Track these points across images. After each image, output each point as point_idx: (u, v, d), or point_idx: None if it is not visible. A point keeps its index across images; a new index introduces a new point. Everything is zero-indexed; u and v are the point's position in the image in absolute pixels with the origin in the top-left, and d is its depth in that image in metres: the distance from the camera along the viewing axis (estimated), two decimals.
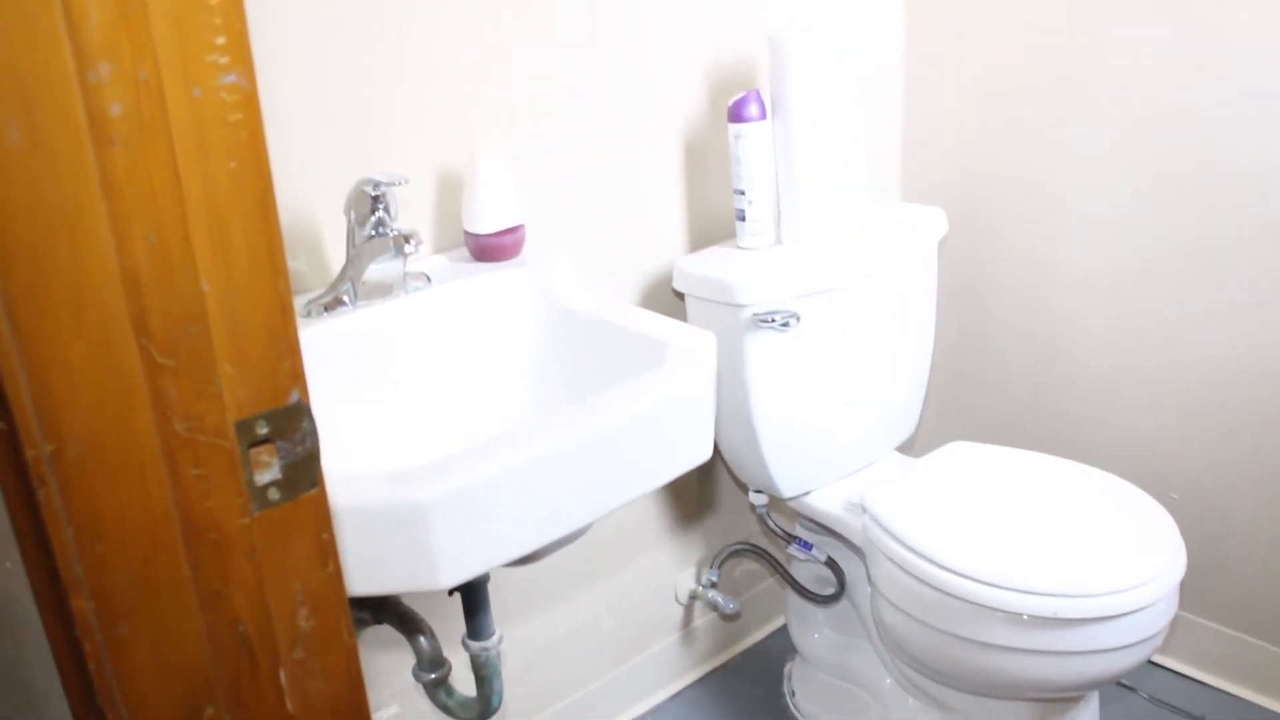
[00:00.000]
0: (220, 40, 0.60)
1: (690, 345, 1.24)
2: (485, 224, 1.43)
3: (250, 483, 0.67)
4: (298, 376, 0.68)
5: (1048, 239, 1.99)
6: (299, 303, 1.34)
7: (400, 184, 1.28)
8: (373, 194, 1.29)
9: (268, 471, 0.68)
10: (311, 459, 0.70)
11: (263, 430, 0.67)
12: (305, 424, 0.69)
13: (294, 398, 0.68)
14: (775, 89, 1.67)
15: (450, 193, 1.50)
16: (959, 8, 1.99)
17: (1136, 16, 1.77)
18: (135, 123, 0.58)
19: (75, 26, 0.55)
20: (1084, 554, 1.52)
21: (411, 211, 1.47)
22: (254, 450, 0.67)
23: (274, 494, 0.69)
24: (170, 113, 0.59)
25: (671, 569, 1.99)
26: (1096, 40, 1.83)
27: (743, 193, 1.69)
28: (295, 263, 1.39)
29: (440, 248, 1.52)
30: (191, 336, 0.63)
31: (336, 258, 1.42)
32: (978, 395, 2.20)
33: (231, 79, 0.61)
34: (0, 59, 0.54)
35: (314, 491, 0.70)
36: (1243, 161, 1.72)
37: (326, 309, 1.33)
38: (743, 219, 1.71)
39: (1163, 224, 1.83)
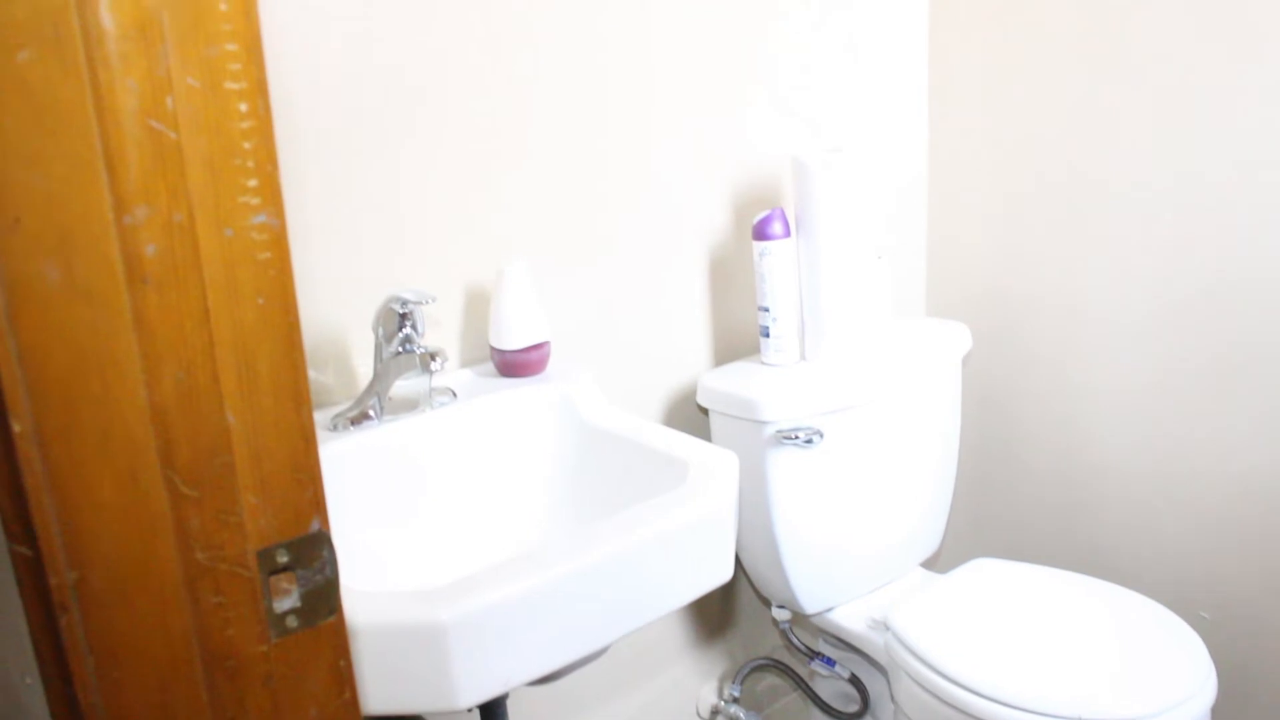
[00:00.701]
0: (252, 183, 0.62)
1: (712, 465, 1.25)
2: (511, 340, 1.45)
3: (269, 610, 0.68)
4: (319, 505, 0.69)
5: (1071, 353, 1.99)
6: (325, 416, 1.36)
7: (427, 303, 1.30)
8: (400, 311, 1.32)
9: (287, 599, 0.69)
10: (330, 587, 0.71)
11: (283, 559, 0.68)
12: (325, 552, 0.70)
13: (314, 526, 0.69)
14: (800, 208, 1.70)
15: (477, 308, 1.53)
16: (982, 129, 2.02)
17: (1158, 140, 1.79)
18: (168, 263, 0.60)
19: (115, 172, 0.58)
20: (1110, 677, 1.50)
21: (439, 328, 1.50)
22: (274, 578, 0.68)
23: (292, 621, 0.69)
24: (202, 253, 0.61)
25: (693, 683, 1.97)
26: (1119, 158, 1.85)
27: (767, 309, 1.71)
28: (323, 375, 1.42)
29: (467, 362, 1.54)
30: (216, 468, 0.64)
31: (364, 370, 1.44)
32: (1003, 510, 2.19)
33: (262, 219, 0.63)
34: (43, 203, 0.56)
35: (332, 619, 0.71)
36: (1265, 275, 1.72)
37: (353, 423, 1.35)
38: (767, 335, 1.73)
39: (1186, 337, 1.83)
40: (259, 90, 0.62)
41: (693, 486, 1.21)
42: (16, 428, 0.58)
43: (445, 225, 1.48)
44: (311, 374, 1.38)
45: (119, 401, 0.60)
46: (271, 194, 0.63)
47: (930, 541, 1.92)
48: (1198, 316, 1.82)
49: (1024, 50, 1.94)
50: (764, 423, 1.63)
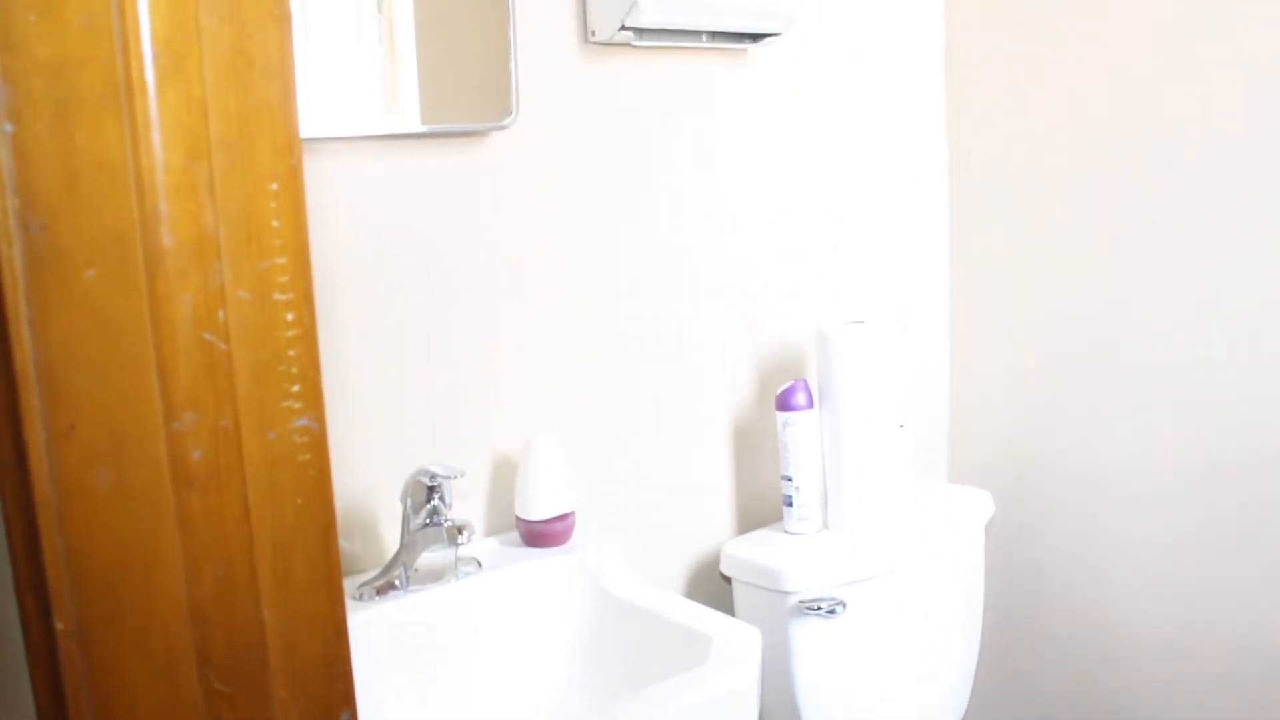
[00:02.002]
0: (295, 388, 0.65)
1: (735, 642, 1.25)
2: (537, 511, 1.47)
3: None
4: (349, 699, 0.70)
5: (1096, 517, 1.99)
6: (352, 584, 1.37)
7: (457, 477, 1.32)
8: (429, 484, 1.34)
9: None
10: None
11: None
12: None
13: (343, 719, 0.70)
14: (823, 379, 1.73)
15: (504, 476, 1.55)
16: (1004, 297, 2.06)
17: (1181, 302, 1.82)
18: (213, 467, 0.62)
19: (166, 380, 0.61)
20: None
21: (465, 498, 1.52)
22: None
23: None
24: (245, 456, 0.64)
25: None
26: (1142, 321, 1.88)
27: (790, 479, 1.72)
28: (350, 543, 1.43)
29: (492, 530, 1.56)
30: (250, 664, 0.65)
31: (391, 539, 1.46)
32: (1028, 678, 2.16)
33: (304, 422, 0.66)
34: (98, 410, 0.59)
35: None
36: None
37: (378, 592, 1.36)
38: (790, 504, 1.74)
39: (1214, 501, 1.83)
40: (305, 300, 0.65)
41: (716, 664, 1.21)
42: (59, 625, 0.60)
43: (475, 396, 1.51)
44: (339, 542, 1.40)
45: (159, 599, 0.62)
46: (313, 398, 0.66)
47: (955, 710, 1.89)
48: (1224, 480, 1.82)
49: (1045, 218, 1.98)
50: (787, 593, 1.63)
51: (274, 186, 0.63)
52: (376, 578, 1.37)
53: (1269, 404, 1.75)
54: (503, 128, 1.43)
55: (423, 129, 1.40)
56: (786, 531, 1.77)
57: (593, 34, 1.52)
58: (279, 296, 0.64)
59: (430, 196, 1.44)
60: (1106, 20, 1.86)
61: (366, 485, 1.43)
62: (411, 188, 1.43)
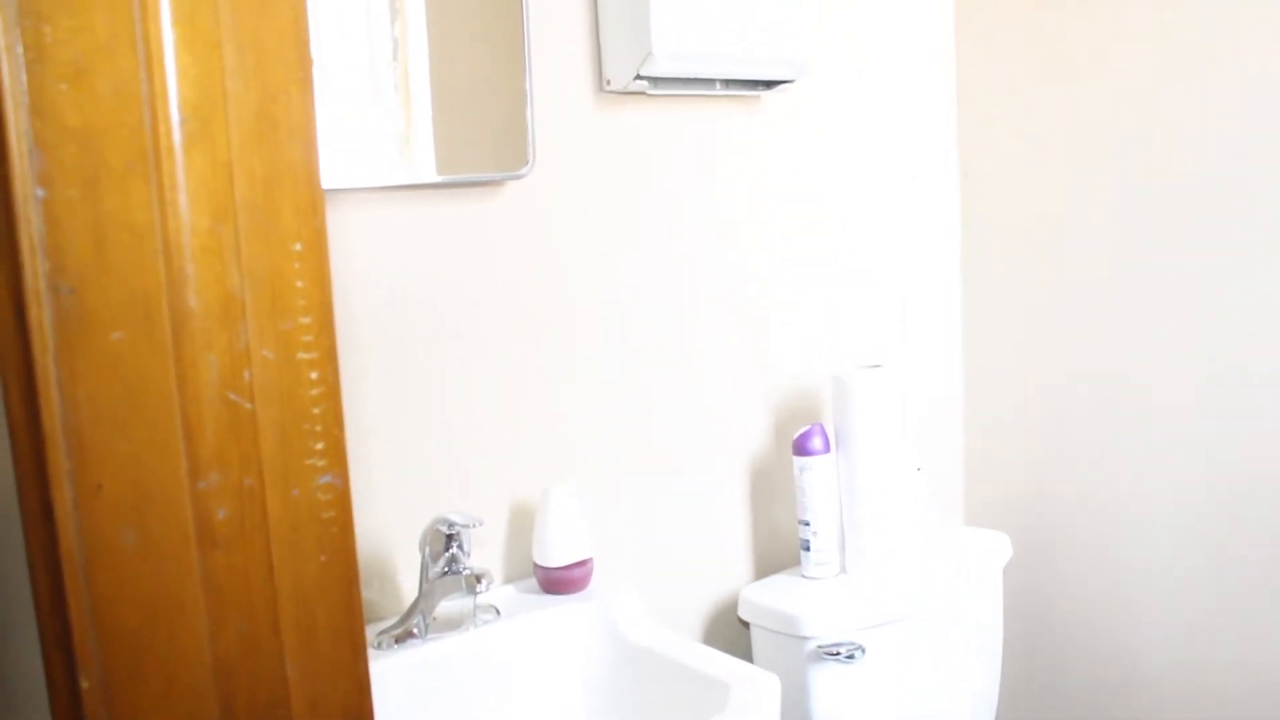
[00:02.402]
0: (319, 445, 0.66)
1: (754, 689, 1.25)
2: (555, 558, 1.47)
3: None
4: None
5: (1115, 559, 1.98)
6: (370, 632, 1.37)
7: (475, 526, 1.33)
8: (448, 532, 1.34)
9: None
10: None
11: None
12: None
13: None
14: (839, 423, 1.73)
15: (522, 524, 1.55)
16: (1018, 337, 2.06)
17: (1199, 340, 1.82)
18: (237, 526, 0.63)
19: (192, 440, 0.61)
20: None
21: (483, 545, 1.52)
22: None
23: None
24: (270, 514, 0.64)
25: None
26: (1158, 358, 1.88)
27: (807, 523, 1.72)
28: (369, 592, 1.44)
29: (510, 577, 1.56)
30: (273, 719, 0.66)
31: (409, 586, 1.46)
32: None
33: (327, 479, 0.66)
34: (124, 471, 0.60)
35: None
36: None
37: (397, 641, 1.36)
38: (807, 549, 1.74)
39: (1231, 539, 1.82)
40: (329, 359, 0.66)
41: (734, 711, 1.21)
42: (84, 684, 0.60)
43: (493, 442, 1.52)
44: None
45: (184, 655, 0.62)
46: (337, 455, 0.66)
47: None
48: (1242, 516, 1.81)
49: (1058, 258, 1.99)
50: (805, 638, 1.63)
51: (297, 247, 0.64)
52: (395, 626, 1.37)
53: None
54: (519, 177, 1.44)
55: (438, 179, 1.41)
56: (804, 576, 1.76)
57: (608, 83, 1.53)
58: (303, 356, 0.65)
59: (447, 245, 1.45)
60: (1117, 57, 1.87)
61: (385, 532, 1.44)
62: (428, 237, 1.44)
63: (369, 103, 1.37)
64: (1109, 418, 1.96)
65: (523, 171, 1.44)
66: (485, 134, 1.45)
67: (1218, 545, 1.84)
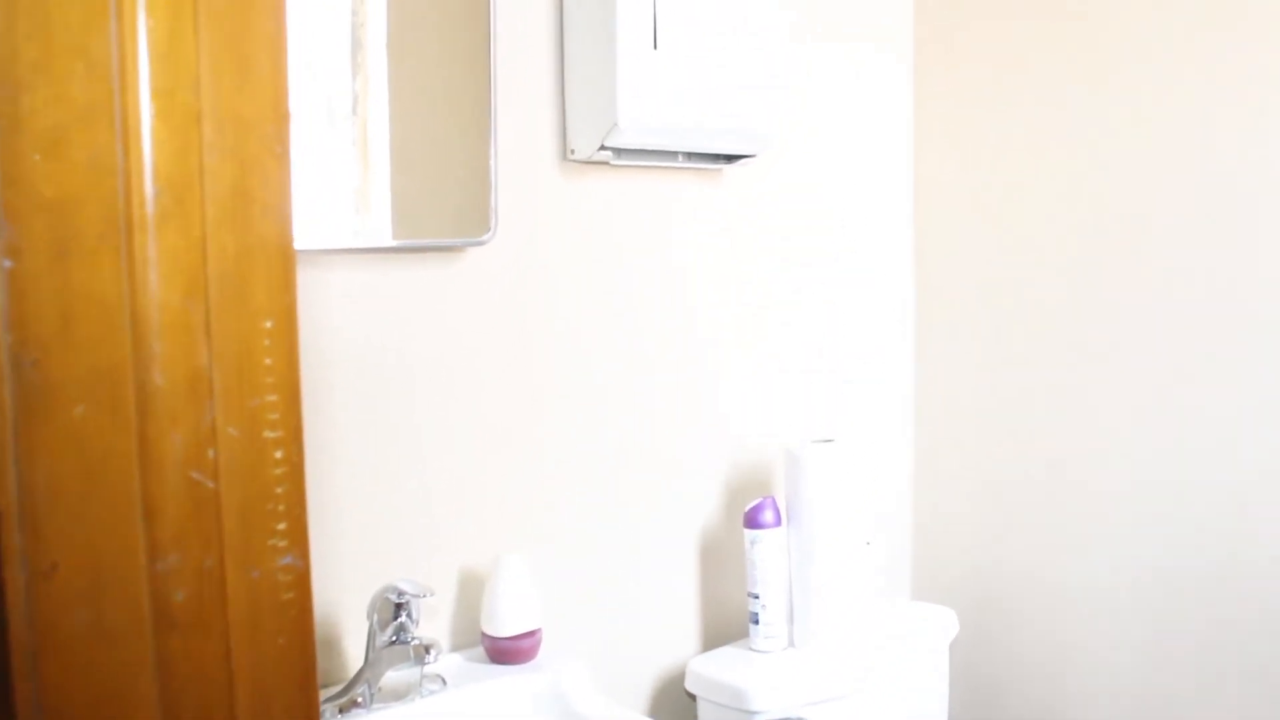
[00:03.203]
0: (281, 526, 0.64)
1: None
2: (504, 627, 1.45)
3: None
4: None
5: (1060, 636, 1.99)
6: None
7: (426, 596, 1.31)
8: (396, 601, 1.32)
9: None
10: None
11: None
12: None
13: None
14: (790, 497, 1.73)
15: (472, 591, 1.53)
16: (964, 410, 2.08)
17: (1144, 421, 1.85)
18: (195, 608, 0.61)
19: (152, 521, 0.60)
20: None
21: (434, 613, 1.50)
22: None
23: None
24: (229, 596, 0.62)
25: None
26: (1105, 440, 1.90)
27: (757, 596, 1.72)
28: None
29: (457, 645, 1.53)
30: None
31: (355, 652, 1.43)
32: None
33: (288, 560, 0.65)
34: (80, 551, 0.58)
35: None
36: (1256, 556, 1.75)
37: (341, 710, 1.33)
38: (756, 622, 1.73)
39: (1175, 619, 1.84)
40: (295, 437, 0.64)
41: None
42: None
43: (446, 508, 1.50)
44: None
45: None
46: (299, 536, 0.65)
47: None
48: (1186, 596, 1.83)
49: (1008, 337, 2.01)
50: (752, 712, 1.61)
51: (268, 324, 0.63)
52: (340, 694, 1.34)
53: (1230, 522, 1.77)
54: (481, 243, 1.44)
55: (394, 244, 1.39)
56: (753, 649, 1.75)
57: (572, 152, 1.54)
58: (269, 434, 0.63)
59: (403, 310, 1.44)
60: (1072, 139, 1.90)
61: (331, 598, 1.41)
62: (383, 301, 1.42)
63: (324, 158, 1.34)
64: (1056, 496, 1.97)
65: (485, 238, 1.43)
66: (447, 198, 1.44)
67: (1160, 623, 1.86)
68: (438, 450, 1.49)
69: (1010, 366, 2.01)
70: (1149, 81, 1.81)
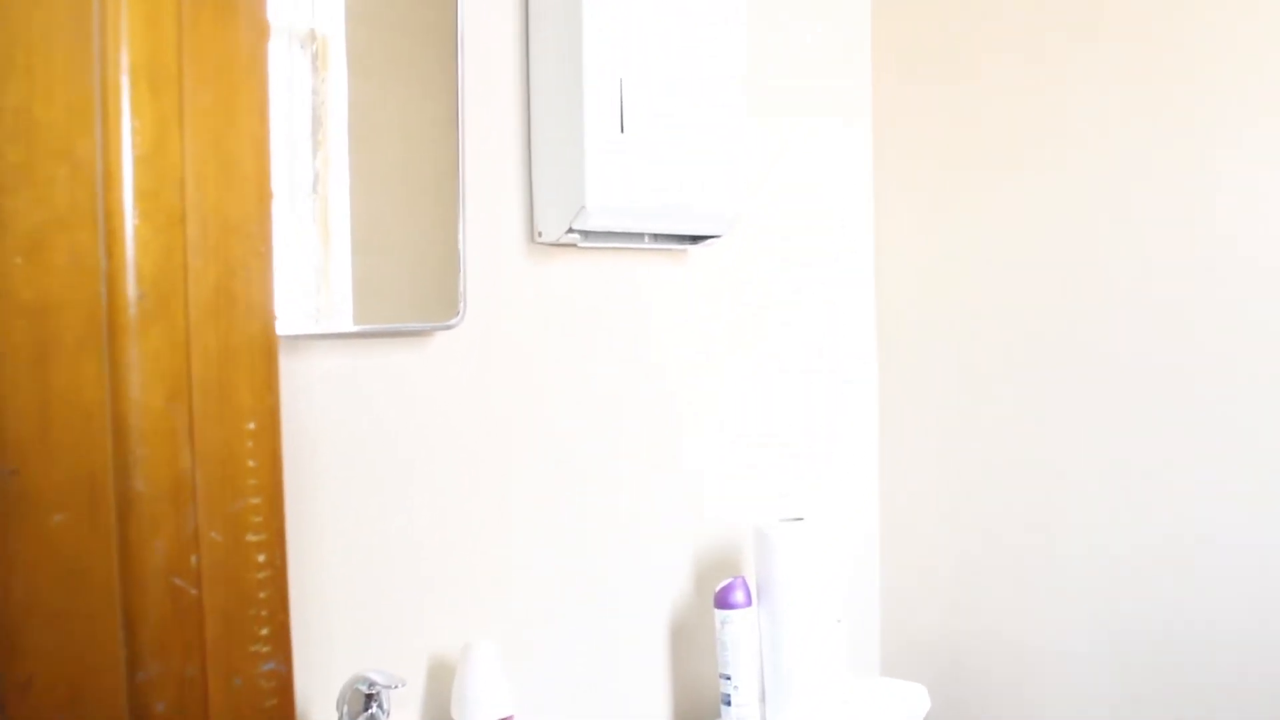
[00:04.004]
0: (264, 631, 0.63)
1: None
2: (475, 715, 1.43)
3: None
4: None
5: (1032, 708, 1.98)
6: None
7: (397, 686, 1.28)
8: (367, 692, 1.29)
9: None
10: None
11: None
12: None
13: None
14: (761, 576, 1.72)
15: (440, 678, 1.50)
16: (929, 485, 2.08)
17: (1107, 486, 1.86)
18: (176, 718, 0.60)
19: (133, 630, 0.58)
20: None
21: (401, 701, 1.47)
22: None
23: None
24: (211, 705, 0.61)
25: None
26: (1071, 510, 1.91)
27: (728, 677, 1.70)
28: None
29: None
30: None
31: None
32: None
33: (271, 666, 0.63)
34: (58, 663, 0.56)
35: None
36: (1219, 613, 1.76)
37: None
38: (728, 703, 1.71)
39: (1147, 686, 1.84)
40: (278, 540, 0.63)
41: None
42: None
43: (413, 594, 1.47)
44: None
45: None
46: (282, 641, 0.64)
47: None
48: (1157, 663, 1.83)
49: (972, 412, 2.02)
50: None
51: (251, 426, 0.62)
52: None
53: (1201, 585, 1.78)
54: (450, 327, 1.43)
55: (356, 329, 1.35)
56: None
57: (539, 234, 1.54)
58: (251, 538, 0.62)
59: (370, 396, 1.43)
60: (1032, 222, 1.94)
61: (299, 688, 1.38)
62: (349, 387, 1.41)
63: (283, 238, 1.30)
64: (1023, 569, 1.98)
65: (454, 322, 1.43)
66: (412, 280, 1.43)
67: (1133, 690, 1.86)
68: (406, 537, 1.47)
69: (973, 437, 2.02)
70: (1103, 142, 1.85)
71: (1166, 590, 1.82)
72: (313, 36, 1.36)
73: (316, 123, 1.37)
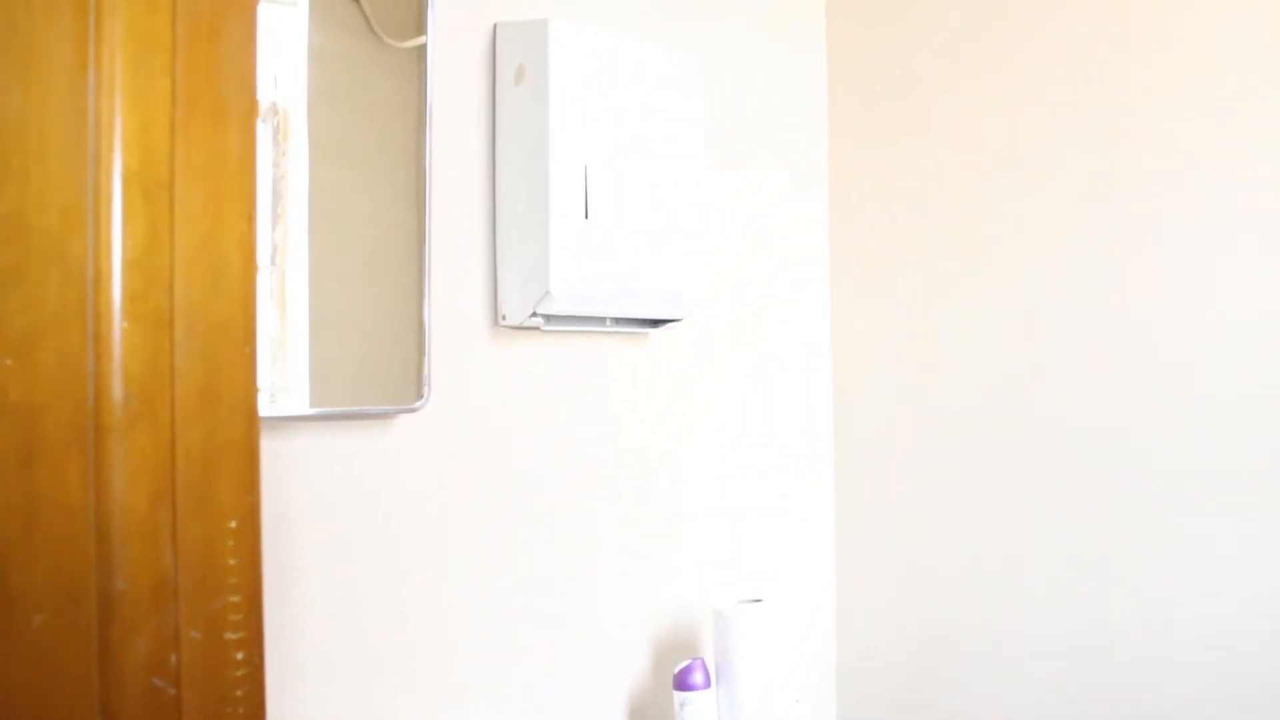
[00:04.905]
0: None
1: None
2: None
3: None
4: None
5: None
6: None
7: None
8: None
9: None
10: None
11: None
12: None
13: None
14: (720, 658, 1.72)
15: None
16: (886, 563, 2.10)
17: (1056, 562, 1.88)
18: None
19: None
20: None
21: None
22: None
23: None
24: None
25: None
26: (1021, 582, 1.93)
27: None
28: None
29: None
30: None
31: None
32: None
33: None
34: None
35: None
36: (1171, 686, 1.79)
37: None
38: None
39: None
40: (256, 638, 0.64)
41: None
42: None
43: (370, 686, 1.46)
44: None
45: None
46: None
47: None
48: None
49: (928, 494, 2.05)
50: None
51: (233, 524, 0.63)
52: None
53: (1153, 665, 1.80)
54: (414, 410, 1.43)
55: (311, 411, 1.32)
56: None
57: (503, 318, 1.55)
58: (230, 636, 0.62)
59: (326, 481, 1.41)
60: (988, 291, 1.98)
61: None
62: (303, 472, 1.39)
63: None
64: (979, 647, 1.99)
65: (418, 405, 1.43)
66: (374, 361, 1.42)
67: None
68: (365, 623, 1.45)
69: (930, 515, 2.04)
70: (1059, 219, 1.90)
71: (1122, 668, 1.83)
72: (275, 110, 1.36)
73: (276, 196, 1.36)
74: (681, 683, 1.70)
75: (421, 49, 1.44)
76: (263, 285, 1.31)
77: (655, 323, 1.74)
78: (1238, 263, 1.77)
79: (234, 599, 0.62)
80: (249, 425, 0.63)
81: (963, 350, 2.00)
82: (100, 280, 0.58)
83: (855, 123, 2.15)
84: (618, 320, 1.68)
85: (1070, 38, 1.90)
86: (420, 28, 1.45)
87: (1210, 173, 1.78)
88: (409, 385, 1.43)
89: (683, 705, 1.69)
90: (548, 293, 1.48)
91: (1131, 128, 1.84)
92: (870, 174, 2.12)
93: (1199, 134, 1.79)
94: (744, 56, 2.02)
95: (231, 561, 0.62)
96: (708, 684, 1.70)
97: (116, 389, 0.58)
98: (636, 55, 1.63)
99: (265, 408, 1.28)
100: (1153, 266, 1.82)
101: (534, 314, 1.52)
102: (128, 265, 0.59)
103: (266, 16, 1.36)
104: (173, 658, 0.60)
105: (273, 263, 1.35)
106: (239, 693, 0.62)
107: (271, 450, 1.35)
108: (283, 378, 1.32)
